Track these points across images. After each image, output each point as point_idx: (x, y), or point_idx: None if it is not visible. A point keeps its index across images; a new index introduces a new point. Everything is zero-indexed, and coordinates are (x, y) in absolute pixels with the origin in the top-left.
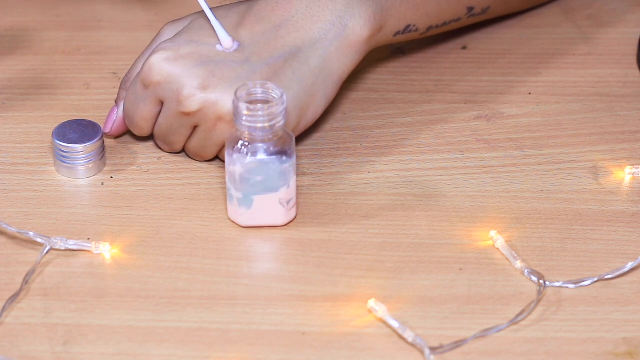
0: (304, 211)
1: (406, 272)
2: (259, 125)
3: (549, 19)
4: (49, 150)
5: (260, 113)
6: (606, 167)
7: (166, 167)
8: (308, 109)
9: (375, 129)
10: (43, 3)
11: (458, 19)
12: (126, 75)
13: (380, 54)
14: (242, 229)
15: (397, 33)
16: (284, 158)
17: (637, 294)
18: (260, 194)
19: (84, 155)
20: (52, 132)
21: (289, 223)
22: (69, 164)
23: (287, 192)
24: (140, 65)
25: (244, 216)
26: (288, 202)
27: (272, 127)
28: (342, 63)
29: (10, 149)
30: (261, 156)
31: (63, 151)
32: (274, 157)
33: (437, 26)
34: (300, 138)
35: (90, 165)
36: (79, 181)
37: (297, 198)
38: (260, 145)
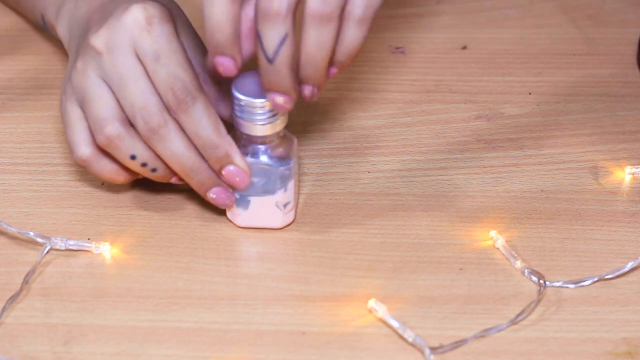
0: (304, 211)
1: (406, 272)
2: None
3: (549, 19)
4: (49, 150)
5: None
6: (606, 167)
7: None
8: None
9: (375, 129)
10: None
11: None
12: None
13: (380, 54)
14: (243, 229)
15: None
16: (283, 161)
17: (637, 294)
18: (257, 195)
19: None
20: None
21: (286, 226)
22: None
23: (284, 195)
24: None
25: (241, 217)
26: (285, 206)
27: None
28: None
29: (10, 149)
30: (258, 158)
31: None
32: (272, 159)
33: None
34: (301, 138)
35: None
36: (80, 181)
37: (297, 200)
38: (259, 147)
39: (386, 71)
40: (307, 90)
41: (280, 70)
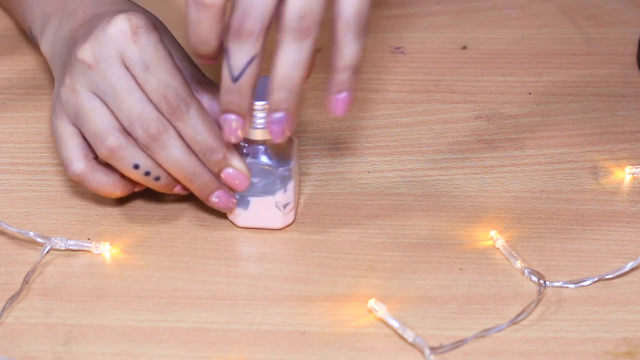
0: (304, 211)
1: (406, 272)
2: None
3: (549, 19)
4: (49, 150)
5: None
6: (606, 167)
7: None
8: None
9: (375, 129)
10: None
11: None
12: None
13: (380, 54)
14: (243, 229)
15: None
16: (283, 162)
17: (637, 294)
18: (257, 196)
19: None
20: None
21: (286, 227)
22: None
23: (284, 196)
24: None
25: (241, 217)
26: (285, 206)
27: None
28: None
29: (10, 149)
30: (258, 158)
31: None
32: (272, 160)
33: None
34: (301, 138)
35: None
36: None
37: (297, 201)
38: (259, 147)
39: (386, 71)
40: (277, 125)
41: (242, 90)
